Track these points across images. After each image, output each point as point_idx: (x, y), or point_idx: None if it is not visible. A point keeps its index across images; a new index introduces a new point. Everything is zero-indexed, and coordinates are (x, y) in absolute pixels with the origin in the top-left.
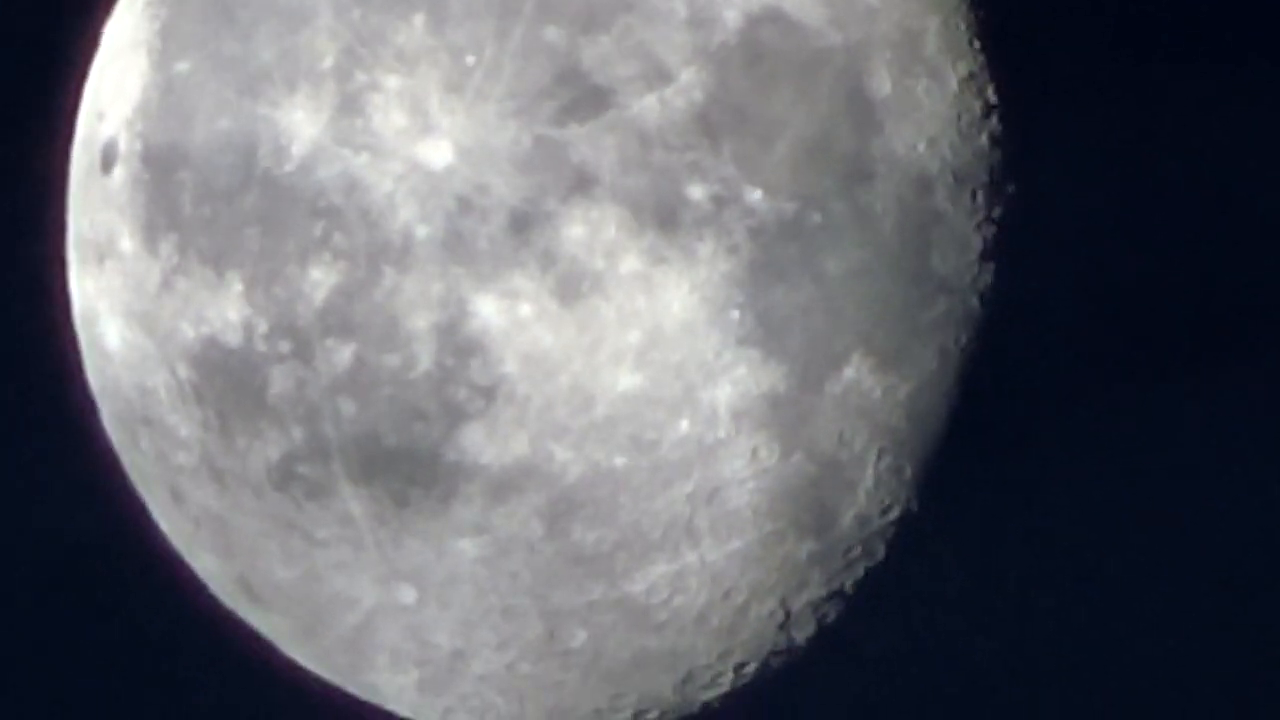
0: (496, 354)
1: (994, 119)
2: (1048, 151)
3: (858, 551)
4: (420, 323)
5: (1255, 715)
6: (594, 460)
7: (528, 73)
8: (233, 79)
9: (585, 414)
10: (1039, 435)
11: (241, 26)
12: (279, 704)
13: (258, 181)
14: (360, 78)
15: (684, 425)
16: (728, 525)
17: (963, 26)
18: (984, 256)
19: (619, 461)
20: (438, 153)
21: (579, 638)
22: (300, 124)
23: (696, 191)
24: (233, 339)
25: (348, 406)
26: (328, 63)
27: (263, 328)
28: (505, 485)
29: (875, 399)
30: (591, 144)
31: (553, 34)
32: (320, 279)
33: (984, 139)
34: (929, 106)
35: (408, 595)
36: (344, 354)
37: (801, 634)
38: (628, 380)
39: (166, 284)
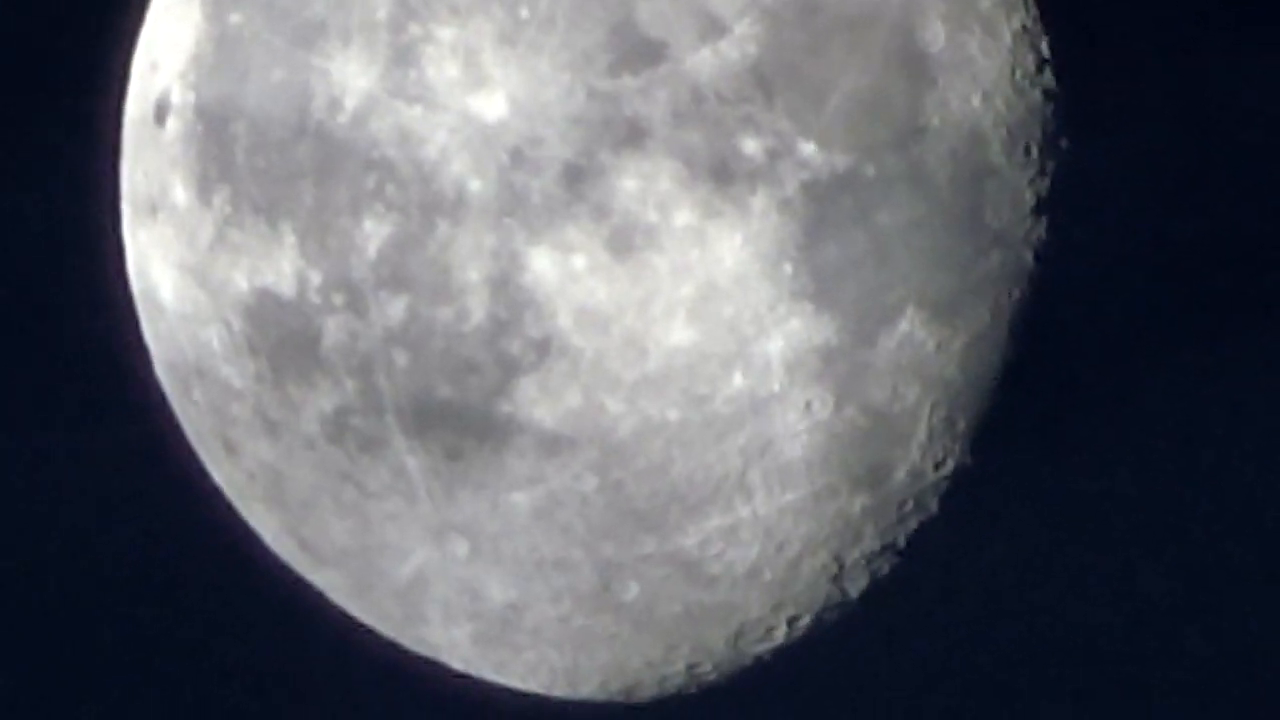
0: (549, 307)
1: (1047, 73)
2: (1102, 105)
3: (911, 505)
4: (473, 275)
5: None
6: (647, 414)
7: (581, 25)
8: (286, 30)
9: (638, 367)
10: (1092, 391)
11: None
12: (333, 658)
13: (311, 134)
14: (414, 29)
15: (737, 379)
16: (780, 479)
17: None
18: (1037, 210)
19: (672, 415)
20: (491, 105)
21: (632, 591)
22: (353, 76)
23: (750, 145)
24: (286, 291)
25: (401, 359)
26: (381, 14)
27: (316, 280)
28: (558, 438)
29: (928, 352)
30: (645, 97)
31: None
32: (373, 231)
33: (1037, 93)
34: (983, 60)
35: (461, 548)
36: (397, 306)
37: (854, 588)
38: (681, 334)
39: (220, 236)
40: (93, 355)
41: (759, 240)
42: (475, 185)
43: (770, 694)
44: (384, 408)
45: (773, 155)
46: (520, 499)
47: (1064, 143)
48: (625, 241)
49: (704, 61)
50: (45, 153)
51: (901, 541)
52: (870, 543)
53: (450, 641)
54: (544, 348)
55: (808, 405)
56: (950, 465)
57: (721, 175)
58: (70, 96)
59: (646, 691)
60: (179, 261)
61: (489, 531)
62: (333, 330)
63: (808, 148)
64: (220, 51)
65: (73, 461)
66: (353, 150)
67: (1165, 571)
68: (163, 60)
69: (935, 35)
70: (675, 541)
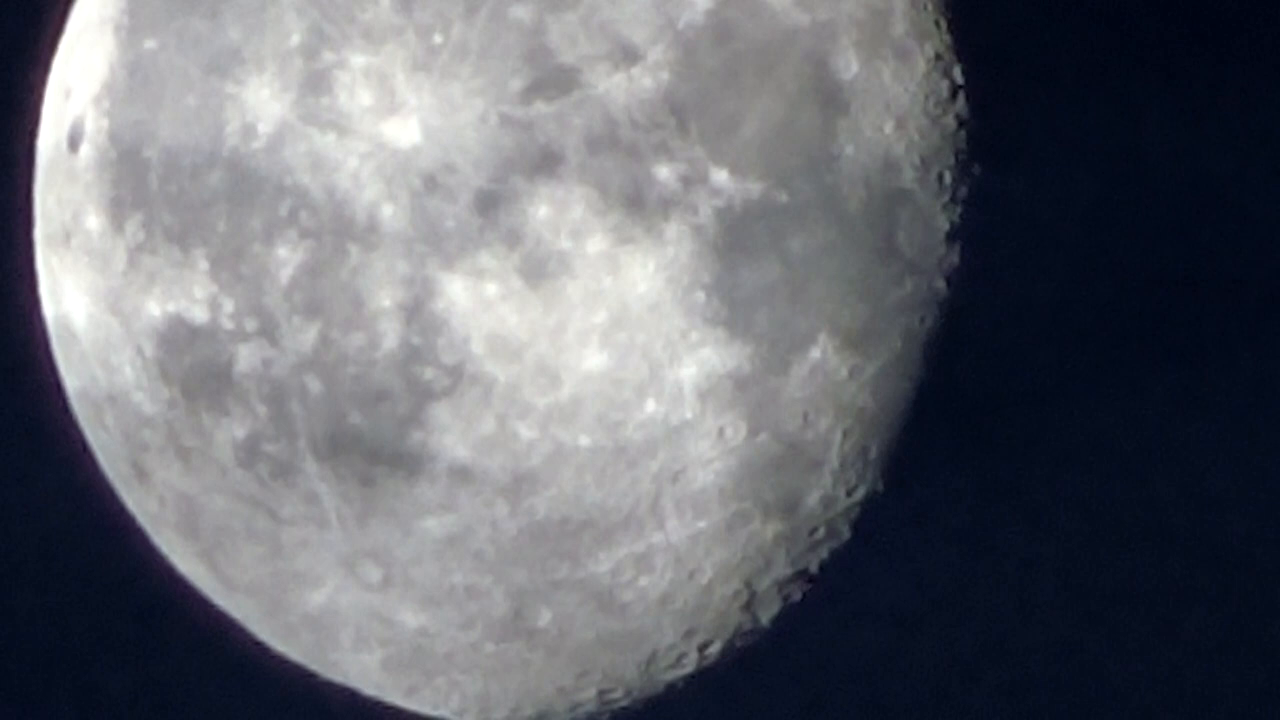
0: (462, 333)
1: (960, 100)
2: (1014, 133)
3: (823, 532)
4: (386, 301)
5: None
6: (559, 441)
7: (495, 52)
8: (200, 57)
9: (551, 394)
10: (1004, 417)
11: (208, 4)
12: (247, 686)
13: (224, 160)
14: (327, 56)
15: (650, 405)
16: (693, 506)
17: (929, 7)
18: (950, 237)
19: (584, 442)
20: (404, 131)
21: (544, 617)
22: (267, 102)
23: (663, 172)
24: (199, 317)
25: (314, 385)
26: (295, 41)
27: (229, 307)
28: (470, 465)
29: (841, 379)
30: (558, 123)
31: (520, 11)
32: (286, 257)
33: (951, 120)
34: (895, 87)
35: (373, 574)
36: (310, 332)
37: (766, 614)
38: (593, 360)
39: (133, 262)
40: (5, 383)
41: (672, 267)
42: (388, 211)
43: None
44: (296, 434)
45: (686, 182)
46: (432, 525)
47: (977, 170)
48: (538, 268)
49: (617, 88)
50: None
51: (814, 568)
52: (782, 569)
53: (362, 668)
54: (457, 374)
55: (720, 432)
56: (862, 491)
57: (635, 202)
58: None
59: (558, 718)
60: (91, 288)
61: (401, 558)
62: (245, 357)
63: (721, 175)
64: (134, 78)
65: None
66: (266, 177)
67: (1078, 594)
68: (76, 87)
69: (848, 63)
70: (587, 568)
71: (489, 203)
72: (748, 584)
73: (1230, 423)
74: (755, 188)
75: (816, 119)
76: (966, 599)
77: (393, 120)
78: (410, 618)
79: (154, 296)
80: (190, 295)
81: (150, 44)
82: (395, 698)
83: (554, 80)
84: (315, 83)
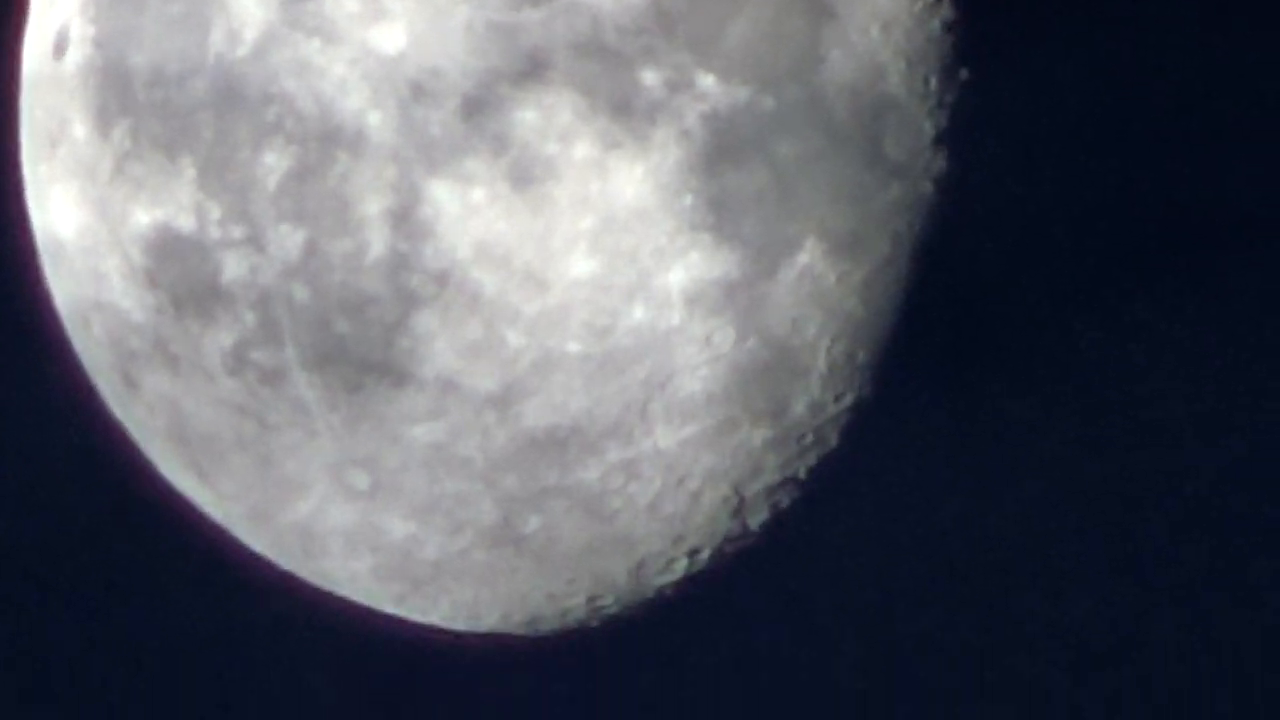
0: (449, 240)
1: (946, 4)
2: (1001, 36)
3: (811, 439)
4: (373, 208)
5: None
6: (547, 347)
7: None
8: None
9: (538, 300)
10: (995, 324)
11: None
12: (234, 592)
13: (210, 67)
14: None
15: (638, 311)
16: (681, 412)
17: None
18: (937, 142)
19: (572, 348)
20: (390, 38)
21: (532, 524)
22: (252, 8)
23: (649, 77)
24: (185, 224)
25: (301, 292)
26: None
27: (215, 213)
28: (458, 372)
29: (829, 284)
30: (544, 28)
31: None
32: (273, 164)
33: (936, 24)
34: None
35: (361, 481)
36: (296, 239)
37: (755, 520)
38: (581, 266)
39: (119, 170)
40: None
41: (659, 172)
42: (374, 118)
43: (670, 626)
44: (284, 342)
45: (673, 87)
46: (420, 433)
47: (964, 74)
48: (525, 174)
49: None
50: None
51: (803, 474)
52: (771, 476)
53: (351, 575)
54: (443, 281)
55: (708, 338)
56: (851, 398)
57: (622, 108)
58: None
59: (548, 624)
60: (78, 195)
61: (389, 466)
62: (232, 264)
63: (708, 80)
64: None
65: None
66: (252, 83)
67: (1066, 504)
68: None
69: None
70: (576, 475)
71: (475, 109)
72: (736, 490)
73: (1226, 344)
74: (742, 93)
75: (803, 24)
76: (956, 509)
77: (379, 26)
78: (399, 525)
79: (141, 204)
80: (177, 203)
81: None
82: (385, 605)
83: None
84: None
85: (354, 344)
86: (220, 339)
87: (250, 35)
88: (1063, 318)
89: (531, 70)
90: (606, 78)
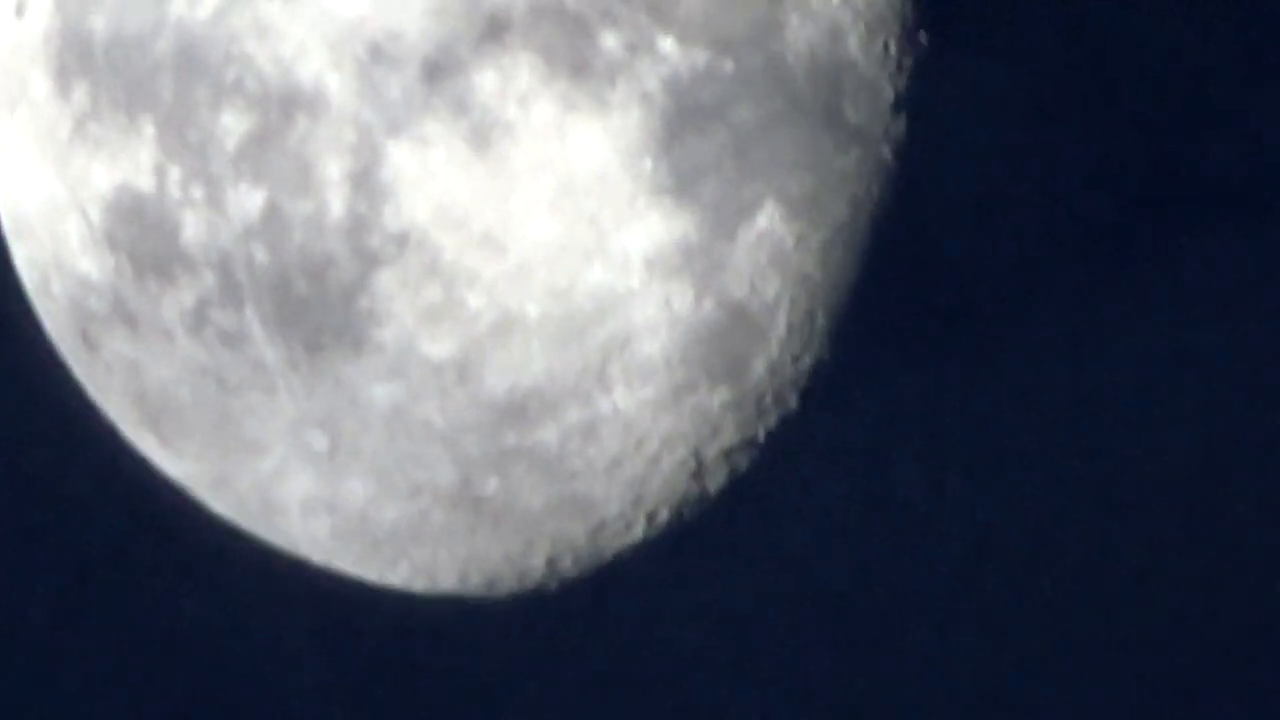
0: (409, 201)
1: None
2: (960, 1)
3: (770, 400)
4: (332, 169)
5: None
6: (506, 308)
7: None
8: None
9: (498, 261)
10: (949, 285)
11: None
12: (192, 553)
13: (170, 27)
14: None
15: (597, 273)
16: (640, 373)
17: None
18: (895, 107)
19: (531, 310)
20: (350, 0)
21: (491, 486)
22: None
23: (609, 39)
24: (145, 184)
25: (260, 253)
26: None
27: (175, 174)
28: (417, 332)
29: (787, 247)
30: None
31: None
32: (232, 125)
33: None
34: None
35: (320, 442)
36: (256, 200)
37: (714, 483)
38: (540, 228)
39: (79, 129)
40: None
41: (618, 135)
42: (334, 80)
43: (628, 588)
44: (243, 302)
45: (632, 49)
46: (379, 394)
47: (923, 39)
48: (484, 136)
49: None
50: None
51: (761, 436)
52: (730, 437)
53: (309, 535)
54: (403, 242)
55: (667, 300)
56: (809, 360)
57: (581, 70)
58: None
59: (506, 586)
60: (38, 154)
61: (349, 427)
62: (192, 224)
63: (667, 43)
64: None
65: None
66: (212, 44)
67: (1022, 468)
68: None
69: None
70: (535, 437)
71: (435, 71)
72: (695, 452)
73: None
74: (701, 56)
75: None
76: (913, 469)
77: None
78: (358, 486)
79: (100, 164)
80: (137, 163)
81: None
82: (344, 566)
83: None
84: None
85: (314, 305)
86: (180, 299)
87: None
88: (1019, 280)
89: (491, 32)
90: (566, 40)
